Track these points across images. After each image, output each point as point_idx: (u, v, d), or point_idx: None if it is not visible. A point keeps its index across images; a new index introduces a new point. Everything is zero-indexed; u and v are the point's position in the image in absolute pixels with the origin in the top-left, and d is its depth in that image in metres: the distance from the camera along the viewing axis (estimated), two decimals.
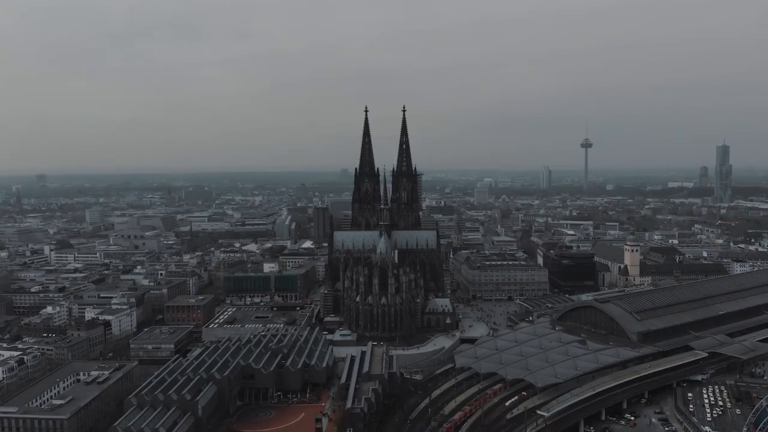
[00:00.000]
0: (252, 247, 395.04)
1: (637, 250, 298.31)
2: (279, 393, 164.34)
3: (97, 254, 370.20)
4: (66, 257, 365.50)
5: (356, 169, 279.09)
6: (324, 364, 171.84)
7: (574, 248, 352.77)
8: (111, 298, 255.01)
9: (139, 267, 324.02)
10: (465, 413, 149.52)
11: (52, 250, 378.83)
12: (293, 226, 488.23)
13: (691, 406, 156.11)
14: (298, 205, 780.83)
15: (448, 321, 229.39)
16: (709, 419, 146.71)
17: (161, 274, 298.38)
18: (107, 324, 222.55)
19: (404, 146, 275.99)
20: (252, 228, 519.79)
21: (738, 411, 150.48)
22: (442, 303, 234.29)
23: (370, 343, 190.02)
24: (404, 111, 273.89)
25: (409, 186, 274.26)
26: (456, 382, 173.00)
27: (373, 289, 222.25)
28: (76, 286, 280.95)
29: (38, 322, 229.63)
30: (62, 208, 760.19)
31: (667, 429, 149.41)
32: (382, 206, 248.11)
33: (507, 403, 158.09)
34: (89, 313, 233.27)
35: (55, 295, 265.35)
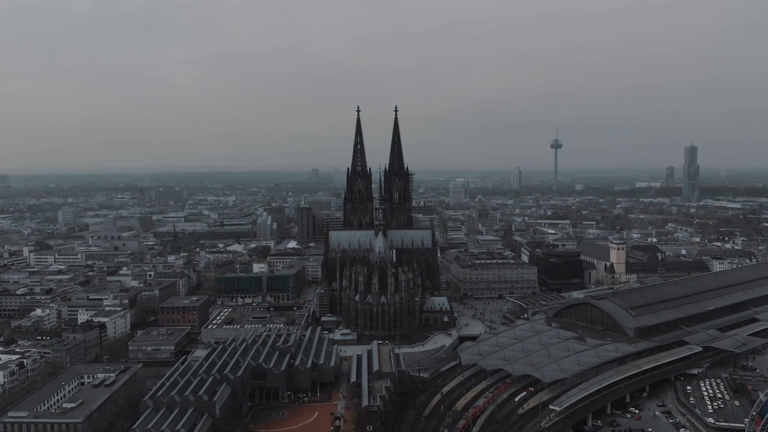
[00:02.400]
0: (237, 247, 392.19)
1: (623, 249, 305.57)
2: (289, 393, 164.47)
3: (78, 255, 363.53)
4: (46, 258, 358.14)
5: (348, 169, 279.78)
6: (332, 364, 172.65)
7: (560, 247, 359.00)
8: (101, 299, 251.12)
9: (124, 268, 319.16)
10: (478, 409, 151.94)
11: (31, 251, 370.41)
12: (274, 226, 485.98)
13: (691, 398, 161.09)
14: (273, 205, 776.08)
15: (445, 319, 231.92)
16: (711, 411, 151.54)
17: (150, 276, 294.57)
18: (102, 326, 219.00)
19: (396, 146, 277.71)
20: (232, 228, 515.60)
21: (737, 403, 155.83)
22: (440, 301, 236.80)
23: (375, 342, 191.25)
24: (396, 111, 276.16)
25: (402, 186, 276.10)
26: (463, 378, 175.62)
27: (372, 288, 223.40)
28: (63, 288, 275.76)
29: (29, 325, 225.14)
30: (31, 209, 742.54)
31: (671, 421, 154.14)
32: (378, 206, 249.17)
33: (516, 399, 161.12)
34: (82, 316, 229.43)
35: (42, 297, 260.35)
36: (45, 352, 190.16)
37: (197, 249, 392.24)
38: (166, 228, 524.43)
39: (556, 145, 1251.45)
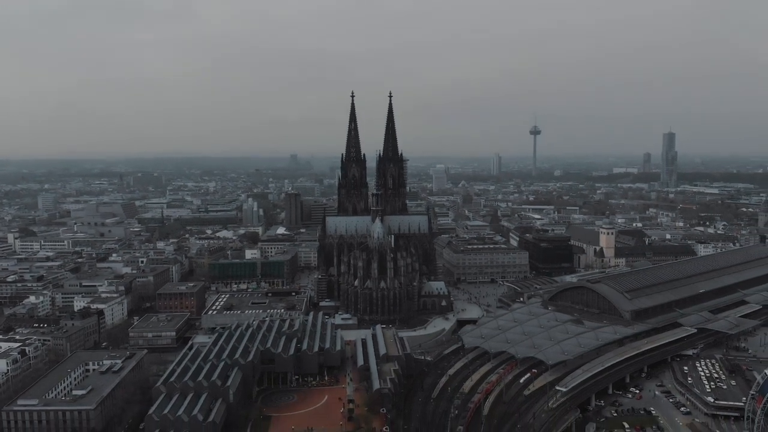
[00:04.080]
0: (227, 233, 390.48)
1: (612, 233, 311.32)
2: (297, 377, 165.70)
3: (65, 242, 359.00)
4: (31, 245, 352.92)
5: (342, 154, 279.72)
6: (338, 348, 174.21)
7: (549, 232, 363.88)
8: (95, 286, 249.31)
9: (114, 255, 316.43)
10: (486, 391, 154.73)
11: (16, 238, 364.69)
12: (261, 212, 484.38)
13: (689, 378, 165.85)
14: (255, 191, 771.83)
15: (443, 303, 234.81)
16: (709, 390, 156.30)
17: (143, 262, 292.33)
18: (100, 313, 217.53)
19: (390, 131, 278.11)
20: (217, 215, 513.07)
21: (733, 383, 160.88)
22: (438, 286, 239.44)
23: (378, 326, 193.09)
24: (390, 96, 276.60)
25: (396, 171, 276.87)
26: (468, 361, 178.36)
27: (372, 273, 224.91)
28: (54, 275, 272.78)
29: (23, 313, 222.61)
30: (8, 195, 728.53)
31: (671, 401, 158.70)
32: (375, 191, 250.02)
33: (521, 380, 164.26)
34: (78, 303, 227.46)
35: (34, 284, 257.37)
36: (45, 340, 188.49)
37: (186, 235, 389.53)
38: (150, 214, 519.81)
39: (535, 132, 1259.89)
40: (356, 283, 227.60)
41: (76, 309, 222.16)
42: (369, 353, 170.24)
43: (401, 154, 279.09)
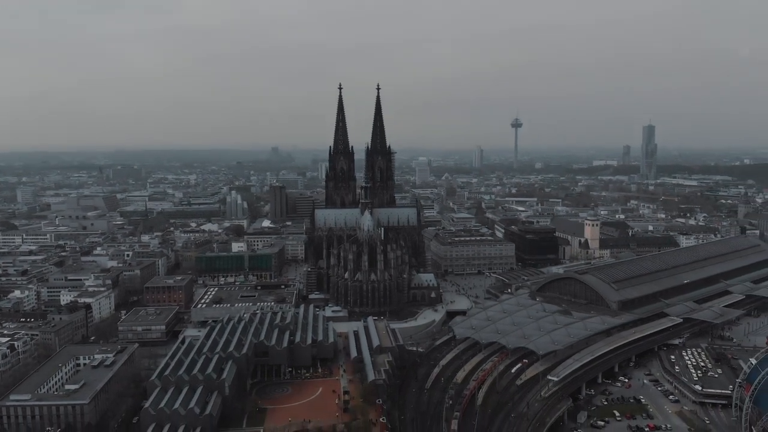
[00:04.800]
0: (211, 226, 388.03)
1: (597, 225, 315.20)
2: (290, 369, 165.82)
3: (47, 236, 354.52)
4: (13, 239, 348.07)
5: (330, 147, 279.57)
6: (330, 340, 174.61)
7: (535, 224, 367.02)
8: (81, 280, 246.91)
9: (98, 248, 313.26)
10: (479, 380, 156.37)
11: None
12: (245, 205, 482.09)
13: (676, 367, 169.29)
14: (237, 183, 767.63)
15: (433, 295, 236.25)
16: (696, 379, 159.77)
17: (128, 255, 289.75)
18: (88, 307, 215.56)
19: (378, 124, 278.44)
20: (200, 208, 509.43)
21: (719, 371, 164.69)
22: (427, 278, 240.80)
23: (371, 318, 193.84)
24: (378, 89, 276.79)
25: (384, 164, 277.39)
26: (459, 351, 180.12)
27: (362, 265, 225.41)
28: (38, 269, 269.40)
29: (9, 307, 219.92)
30: None
31: (660, 389, 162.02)
32: (364, 184, 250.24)
33: (513, 370, 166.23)
34: (65, 297, 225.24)
35: (19, 278, 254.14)
36: (33, 334, 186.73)
37: (171, 228, 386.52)
38: (132, 207, 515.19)
39: (516, 124, 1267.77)
40: (346, 275, 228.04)
41: (62, 303, 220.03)
42: (362, 345, 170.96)
43: (389, 147, 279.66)
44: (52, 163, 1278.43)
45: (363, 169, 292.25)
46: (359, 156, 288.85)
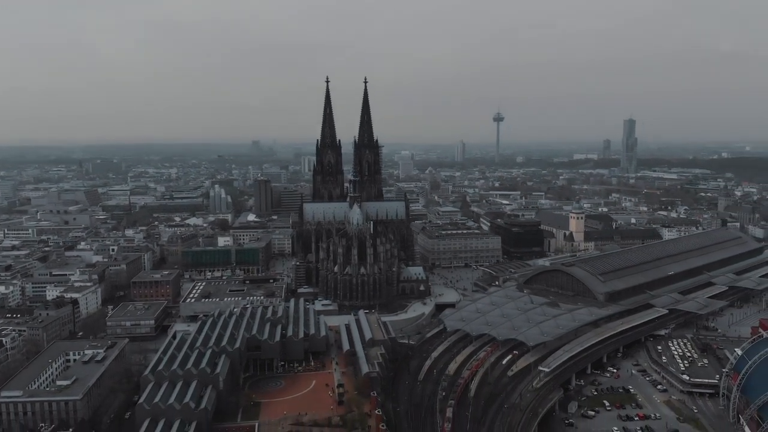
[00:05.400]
0: (196, 221, 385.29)
1: (582, 218, 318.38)
2: (283, 363, 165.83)
3: (29, 230, 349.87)
4: None
5: (318, 141, 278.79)
6: (323, 333, 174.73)
7: (520, 217, 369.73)
8: (66, 275, 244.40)
9: (82, 243, 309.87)
10: (471, 372, 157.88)
11: None
12: (229, 199, 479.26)
13: (663, 358, 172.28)
14: (219, 177, 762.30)
15: (422, 288, 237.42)
16: (683, 369, 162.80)
17: (113, 250, 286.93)
18: (75, 302, 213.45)
19: (366, 118, 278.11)
20: (183, 202, 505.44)
21: (705, 361, 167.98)
22: (416, 271, 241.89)
23: (362, 311, 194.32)
24: (366, 83, 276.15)
25: (372, 157, 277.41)
26: (450, 343, 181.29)
27: (352, 259, 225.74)
28: (22, 264, 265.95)
29: None
30: None
31: (648, 379, 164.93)
32: (352, 177, 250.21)
33: (504, 362, 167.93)
34: (51, 292, 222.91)
35: (2, 274, 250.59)
36: (21, 330, 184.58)
37: (155, 223, 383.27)
38: (114, 201, 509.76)
39: (498, 119, 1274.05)
40: (336, 269, 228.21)
41: (48, 298, 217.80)
42: (354, 338, 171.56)
43: (377, 140, 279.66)
44: (30, 157, 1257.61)
45: (350, 162, 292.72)
46: (345, 149, 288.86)
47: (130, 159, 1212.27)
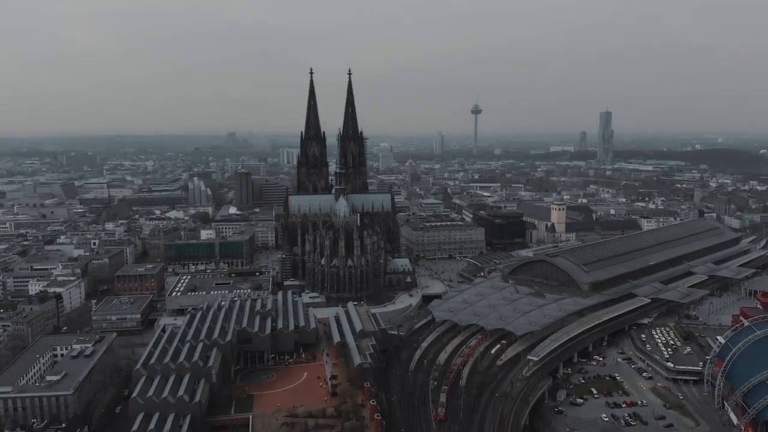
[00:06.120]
0: (177, 213, 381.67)
1: (563, 209, 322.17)
2: (273, 355, 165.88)
3: (7, 224, 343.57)
4: None
5: (302, 132, 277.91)
6: (312, 325, 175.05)
7: (503, 209, 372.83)
8: (48, 269, 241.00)
9: (62, 237, 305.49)
10: (461, 362, 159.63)
11: None
12: (209, 192, 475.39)
13: (647, 346, 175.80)
14: (196, 170, 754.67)
15: (408, 280, 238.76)
16: (667, 356, 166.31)
17: (95, 244, 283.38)
18: (59, 296, 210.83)
19: (350, 110, 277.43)
20: (162, 195, 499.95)
21: (688, 348, 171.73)
22: (402, 263, 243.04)
23: (351, 303, 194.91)
24: (350, 75, 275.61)
25: (356, 150, 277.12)
26: (439, 334, 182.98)
27: (339, 251, 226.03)
28: (1, 259, 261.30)
29: None
30: None
31: (633, 367, 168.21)
32: (338, 170, 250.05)
33: (492, 351, 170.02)
34: (34, 287, 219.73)
35: None
36: (5, 325, 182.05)
37: (136, 216, 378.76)
38: (92, 194, 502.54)
39: (476, 111, 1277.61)
40: (323, 261, 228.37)
41: (31, 293, 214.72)
42: (344, 330, 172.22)
43: (361, 132, 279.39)
44: (1, 149, 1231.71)
45: (333, 155, 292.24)
46: (328, 141, 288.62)
47: (103, 151, 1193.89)
